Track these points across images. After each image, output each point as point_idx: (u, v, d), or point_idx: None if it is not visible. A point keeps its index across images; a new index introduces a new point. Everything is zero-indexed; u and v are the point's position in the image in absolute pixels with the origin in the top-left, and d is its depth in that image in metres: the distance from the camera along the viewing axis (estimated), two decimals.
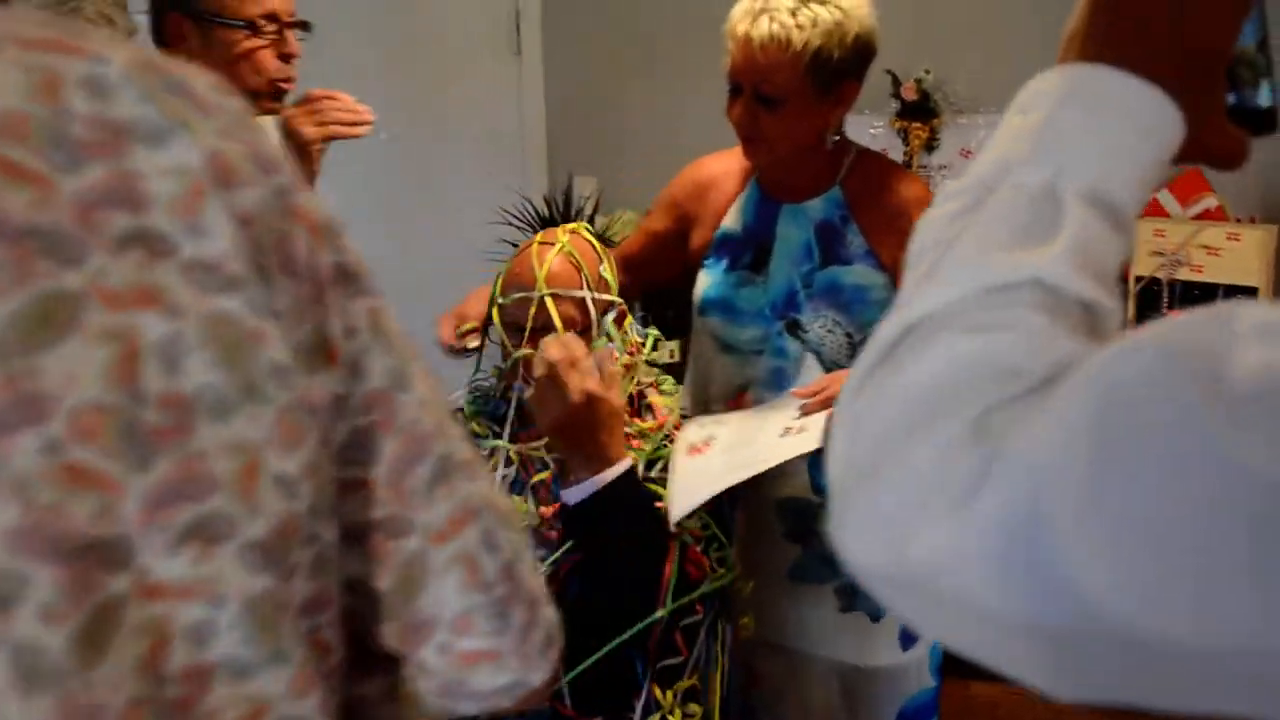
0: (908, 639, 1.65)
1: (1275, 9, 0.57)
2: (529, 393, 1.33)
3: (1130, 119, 0.48)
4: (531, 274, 1.39)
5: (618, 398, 1.31)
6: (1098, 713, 0.43)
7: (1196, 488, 0.36)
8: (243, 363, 0.48)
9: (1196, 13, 0.49)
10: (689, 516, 1.32)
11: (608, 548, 1.28)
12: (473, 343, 1.54)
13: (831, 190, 1.60)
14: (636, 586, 1.28)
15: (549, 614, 0.63)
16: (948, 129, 2.77)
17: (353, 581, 0.56)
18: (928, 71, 2.75)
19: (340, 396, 0.53)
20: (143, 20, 1.65)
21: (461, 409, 1.49)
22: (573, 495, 1.30)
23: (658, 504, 1.34)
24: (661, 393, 1.51)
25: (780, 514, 1.64)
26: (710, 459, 1.39)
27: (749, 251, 1.65)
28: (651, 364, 1.52)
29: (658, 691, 1.29)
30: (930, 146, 2.78)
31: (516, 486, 1.40)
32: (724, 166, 1.70)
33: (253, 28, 1.60)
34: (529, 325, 1.38)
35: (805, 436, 1.39)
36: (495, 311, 1.43)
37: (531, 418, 1.38)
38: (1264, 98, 0.52)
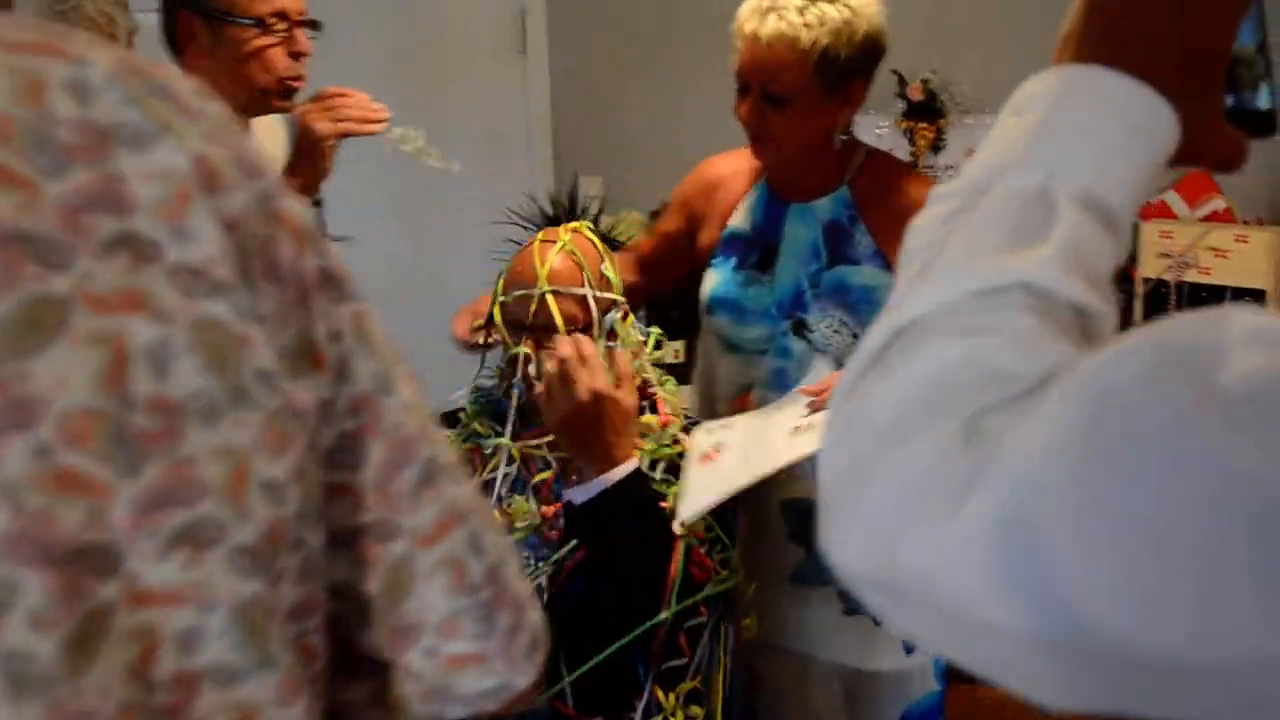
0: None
1: (1275, 9, 0.57)
2: (539, 389, 1.33)
3: (1125, 120, 0.47)
4: (533, 272, 1.39)
5: (628, 398, 1.31)
6: None
7: (1190, 494, 0.36)
8: (230, 368, 0.48)
9: (1194, 13, 0.49)
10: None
11: (613, 548, 1.28)
12: (486, 337, 1.54)
13: (840, 190, 1.60)
14: (641, 587, 1.27)
15: (534, 617, 0.63)
16: (954, 129, 2.76)
17: (339, 586, 0.56)
18: (934, 72, 2.74)
19: (326, 401, 0.53)
20: (150, 19, 1.66)
21: (464, 408, 1.49)
22: (578, 495, 1.30)
23: (662, 504, 1.34)
24: (665, 393, 1.51)
25: (785, 515, 1.63)
26: (721, 464, 1.38)
27: (756, 251, 1.64)
28: (655, 364, 1.52)
29: (660, 693, 1.29)
30: (936, 147, 2.77)
31: (518, 485, 1.40)
32: (733, 166, 1.70)
33: (263, 25, 1.61)
34: (529, 322, 1.38)
35: (817, 434, 1.39)
36: (497, 309, 1.43)
37: (533, 416, 1.38)
38: (1263, 100, 0.51)
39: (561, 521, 1.34)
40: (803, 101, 1.50)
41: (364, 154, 1.75)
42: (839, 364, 1.56)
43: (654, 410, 1.46)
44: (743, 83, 1.53)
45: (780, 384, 1.59)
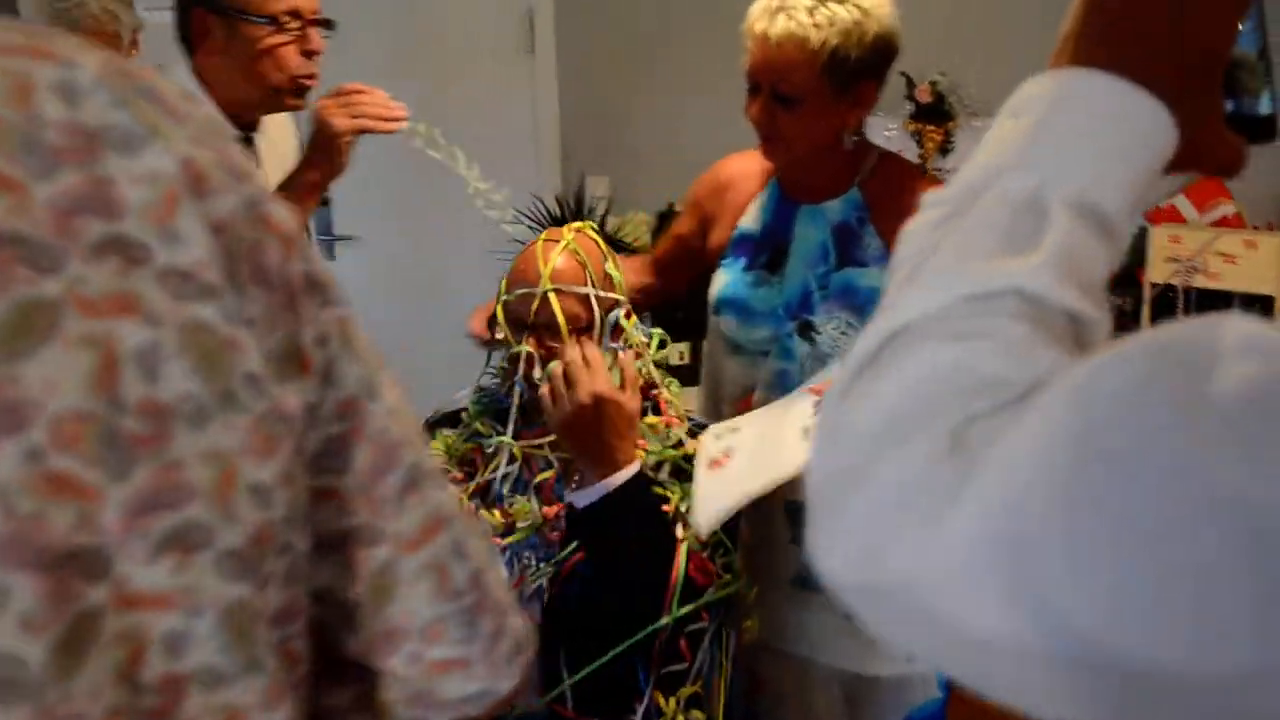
0: None
1: (1274, 13, 0.56)
2: (542, 389, 1.34)
3: (1122, 125, 0.47)
4: (536, 270, 1.40)
5: (631, 401, 1.31)
6: None
7: (1178, 505, 0.35)
8: (219, 371, 0.48)
9: (1193, 17, 0.48)
10: (690, 527, 1.32)
11: (615, 552, 1.28)
12: (501, 334, 1.55)
13: (850, 192, 1.59)
14: (642, 592, 1.27)
15: (517, 622, 0.63)
16: (962, 132, 2.75)
17: (323, 591, 0.56)
18: (943, 74, 2.73)
19: (312, 405, 0.53)
20: (155, 17, 1.66)
21: (466, 408, 1.49)
22: (580, 498, 1.30)
23: (665, 508, 1.34)
24: (669, 395, 1.50)
25: (788, 518, 1.63)
26: (732, 470, 1.38)
27: (766, 251, 1.64)
28: (659, 365, 1.51)
29: (660, 698, 1.29)
30: (944, 150, 2.77)
31: (519, 485, 1.40)
32: (745, 167, 1.70)
33: (276, 24, 1.61)
34: (531, 320, 1.38)
35: None
36: (499, 308, 1.43)
37: (535, 415, 1.38)
38: (1264, 105, 0.51)
39: (563, 523, 1.34)
40: (812, 102, 1.50)
41: (368, 154, 1.75)
42: None
43: (657, 412, 1.46)
44: (753, 83, 1.53)
45: (782, 386, 1.59)
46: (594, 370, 1.29)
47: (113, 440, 0.44)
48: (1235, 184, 2.47)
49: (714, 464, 1.39)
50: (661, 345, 1.52)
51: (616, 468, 1.29)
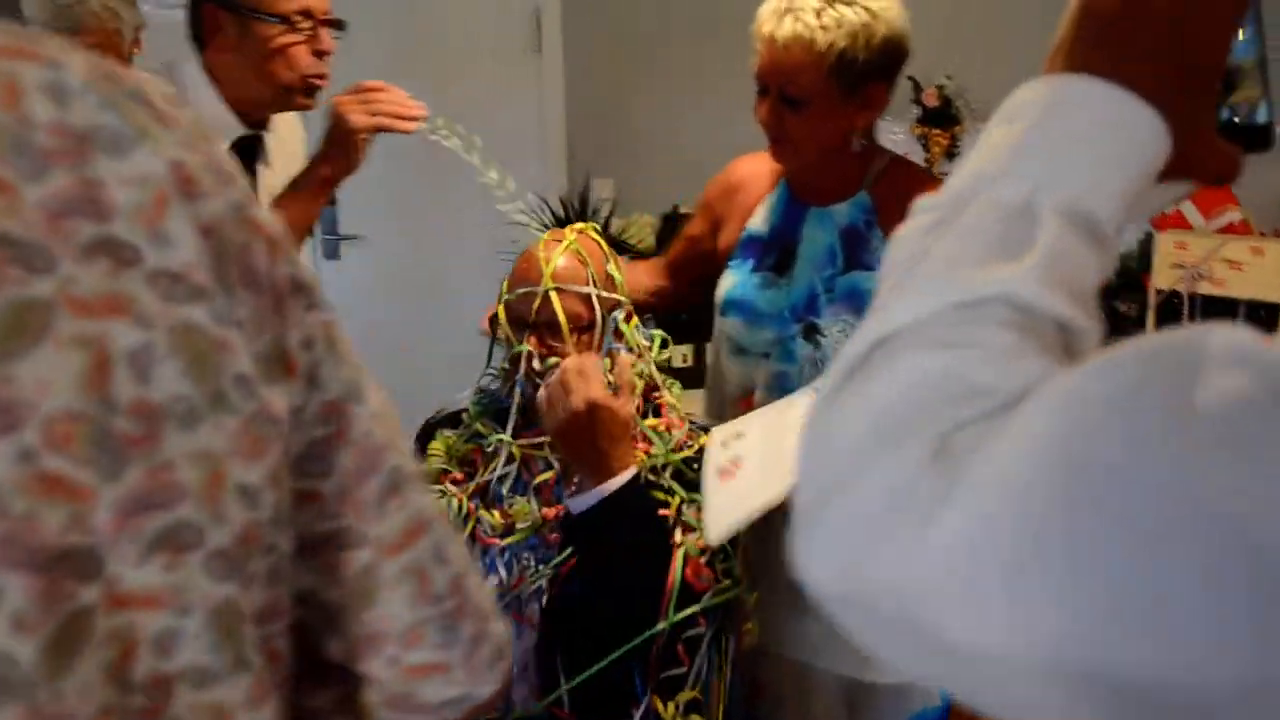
0: None
1: (1272, 19, 0.56)
2: (540, 393, 1.34)
3: (1115, 132, 0.46)
4: (538, 270, 1.40)
5: (626, 407, 1.31)
6: None
7: (1163, 517, 0.35)
8: (210, 373, 0.48)
9: (1189, 24, 0.48)
10: (690, 531, 1.32)
11: (610, 557, 1.28)
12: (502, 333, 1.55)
13: (859, 195, 1.59)
14: (638, 597, 1.27)
15: (498, 628, 0.64)
16: (969, 136, 2.75)
17: (305, 593, 0.56)
18: (949, 78, 2.73)
19: (297, 408, 0.54)
20: (160, 16, 1.67)
21: (467, 409, 1.49)
22: (576, 505, 1.30)
23: (663, 511, 1.34)
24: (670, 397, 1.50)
25: (789, 522, 1.62)
26: (743, 481, 1.37)
27: (774, 253, 1.64)
28: (661, 367, 1.51)
29: (658, 703, 1.29)
30: (951, 154, 2.76)
31: (519, 486, 1.40)
32: (755, 168, 1.70)
33: (288, 23, 1.62)
34: (533, 319, 1.38)
35: None
36: (501, 308, 1.43)
37: (535, 414, 1.38)
38: (1261, 114, 0.50)
39: (560, 529, 1.34)
40: (819, 104, 1.49)
41: (371, 154, 1.75)
42: None
43: (657, 414, 1.46)
44: (762, 85, 1.53)
45: (780, 388, 1.59)
46: (588, 377, 1.29)
47: (105, 441, 0.45)
48: (1242, 191, 2.46)
49: (724, 474, 1.38)
50: (663, 346, 1.52)
51: (612, 473, 1.29)
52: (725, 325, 1.68)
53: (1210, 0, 0.48)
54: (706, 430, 1.48)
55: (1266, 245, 2.41)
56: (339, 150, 1.63)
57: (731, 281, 1.66)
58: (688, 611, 1.28)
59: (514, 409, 1.40)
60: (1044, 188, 0.45)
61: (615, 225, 1.57)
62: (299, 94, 1.68)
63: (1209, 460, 0.35)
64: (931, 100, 2.73)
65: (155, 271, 0.47)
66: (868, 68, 1.49)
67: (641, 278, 1.78)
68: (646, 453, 1.39)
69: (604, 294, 1.41)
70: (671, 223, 2.82)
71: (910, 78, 2.70)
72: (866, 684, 1.65)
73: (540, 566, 1.33)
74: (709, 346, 1.79)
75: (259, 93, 1.68)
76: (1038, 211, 0.45)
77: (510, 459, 1.40)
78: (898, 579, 0.39)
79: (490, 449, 1.43)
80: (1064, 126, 0.47)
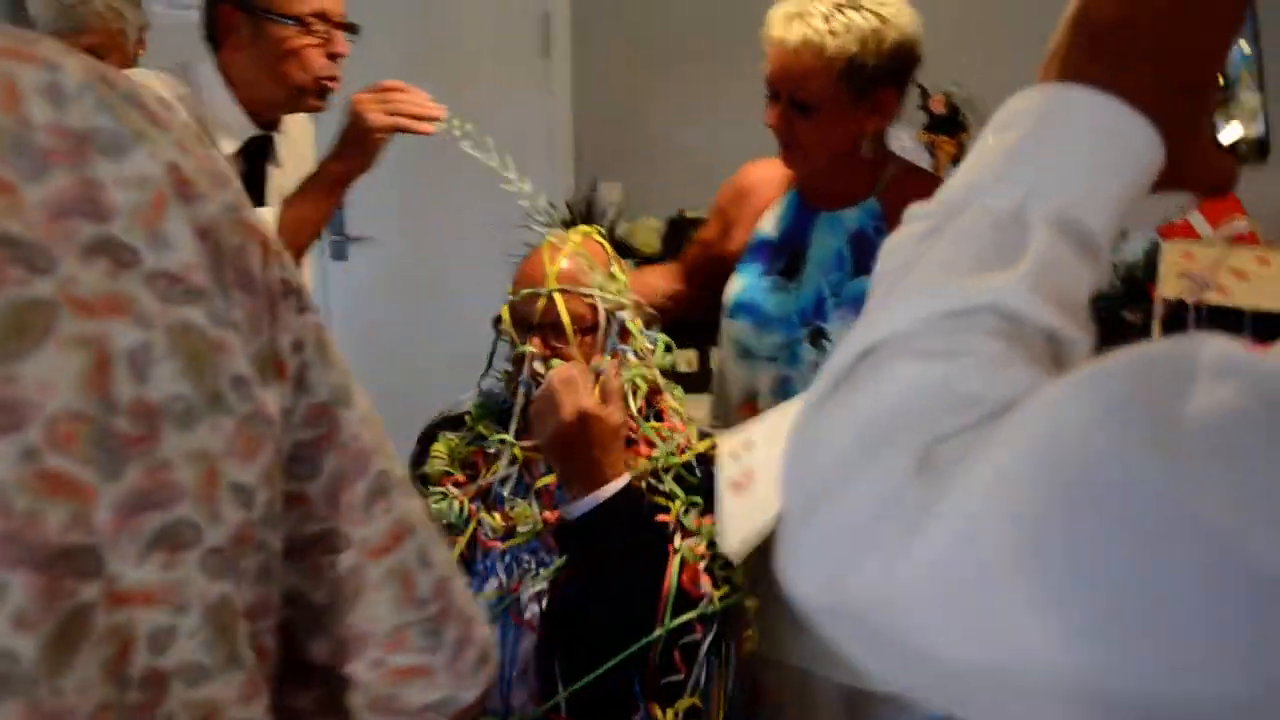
0: None
1: (1270, 28, 0.56)
2: (531, 409, 1.34)
3: (1108, 142, 0.46)
4: (542, 272, 1.41)
5: (617, 415, 1.31)
6: None
7: (1149, 532, 0.34)
8: (207, 373, 0.48)
9: (1184, 35, 0.48)
10: (695, 536, 1.32)
11: (605, 564, 1.28)
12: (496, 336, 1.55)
13: (869, 200, 1.59)
14: (634, 603, 1.28)
15: (482, 632, 0.64)
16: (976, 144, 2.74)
17: (291, 594, 0.57)
18: (957, 85, 2.73)
19: (286, 410, 0.54)
20: (168, 17, 1.67)
21: (469, 411, 1.50)
22: (571, 513, 1.30)
23: (663, 517, 1.34)
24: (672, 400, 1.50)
25: None
26: (758, 494, 1.37)
27: (784, 257, 1.64)
28: (666, 372, 1.51)
29: (656, 710, 1.29)
30: (958, 161, 2.76)
31: (520, 489, 1.41)
32: (766, 173, 1.70)
33: (303, 25, 1.62)
34: (537, 321, 1.39)
35: None
36: (506, 310, 1.44)
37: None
38: (1257, 126, 0.50)
39: (555, 538, 1.34)
40: (829, 109, 1.49)
41: (382, 156, 1.76)
42: None
43: (660, 418, 1.46)
44: (772, 90, 1.53)
45: (784, 392, 1.59)
46: (576, 387, 1.30)
47: (105, 440, 0.45)
48: (1250, 200, 2.45)
49: (737, 486, 1.38)
50: (667, 350, 1.52)
51: (606, 481, 1.30)
52: (732, 328, 1.68)
53: (1207, 11, 0.48)
54: (709, 435, 1.48)
55: (1273, 255, 2.41)
56: (355, 149, 1.63)
57: (740, 284, 1.66)
58: (684, 618, 1.28)
59: (516, 411, 1.41)
60: (1036, 197, 0.45)
61: (622, 229, 1.57)
62: (311, 96, 1.69)
63: (1201, 471, 0.34)
64: (939, 107, 2.73)
65: (154, 272, 0.47)
66: (878, 73, 1.49)
67: (657, 282, 1.79)
68: (649, 456, 1.39)
69: (608, 296, 1.42)
70: (678, 227, 2.82)
71: (918, 84, 2.70)
72: (867, 692, 1.64)
73: (540, 570, 1.33)
74: (714, 351, 1.79)
75: (271, 93, 1.68)
76: (1029, 220, 0.45)
77: (512, 461, 1.41)
78: (883, 590, 0.39)
79: (492, 451, 1.43)
80: (1057, 135, 0.47)
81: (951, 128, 2.75)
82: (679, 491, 1.37)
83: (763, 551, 1.60)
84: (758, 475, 1.39)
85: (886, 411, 0.41)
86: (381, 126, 1.61)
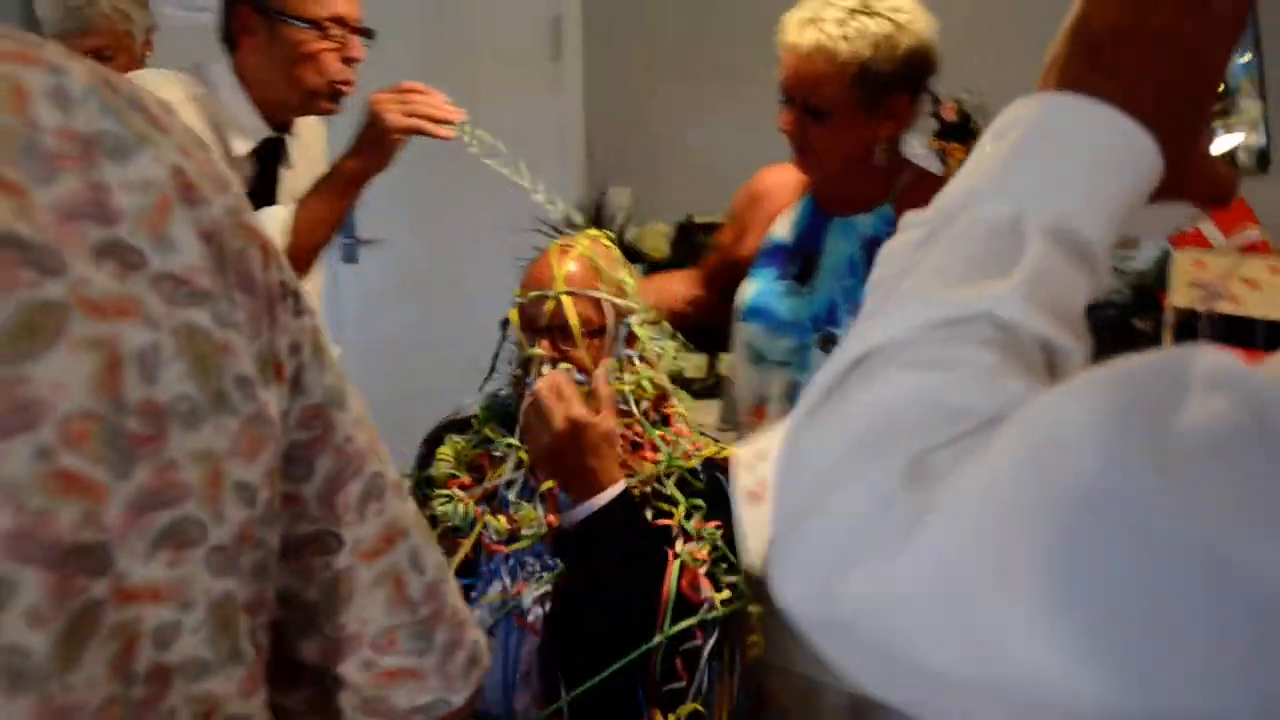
0: None
1: (1272, 35, 0.55)
2: (521, 422, 1.35)
3: (1105, 152, 0.46)
4: (550, 275, 1.41)
5: (606, 421, 1.31)
6: None
7: (1140, 547, 0.34)
8: (212, 374, 0.49)
9: (1184, 45, 0.47)
10: (697, 541, 1.32)
11: (602, 571, 1.28)
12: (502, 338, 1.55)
13: (883, 206, 1.59)
14: (633, 611, 1.27)
15: (473, 635, 0.64)
16: None
17: (282, 593, 0.57)
18: (969, 92, 2.72)
19: (283, 411, 0.54)
20: (175, 19, 1.68)
21: (476, 415, 1.50)
22: (567, 521, 1.31)
23: (665, 521, 1.34)
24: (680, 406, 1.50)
25: None
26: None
27: (797, 262, 1.64)
28: (674, 377, 1.51)
29: (659, 716, 1.29)
30: None
31: (526, 492, 1.41)
32: (781, 178, 1.71)
33: (320, 29, 1.63)
34: (545, 323, 1.39)
35: None
36: (514, 312, 1.44)
37: None
38: (1258, 136, 0.50)
39: (553, 547, 1.34)
40: (842, 114, 1.49)
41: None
42: None
43: (666, 423, 1.46)
44: (786, 95, 1.53)
45: (794, 398, 1.58)
46: (565, 396, 1.30)
47: (116, 440, 0.45)
48: (1262, 209, 2.44)
49: (754, 496, 1.38)
50: (675, 356, 1.52)
51: (601, 488, 1.30)
52: (745, 332, 1.68)
53: (1208, 20, 0.47)
54: (716, 440, 1.48)
55: None
56: (372, 148, 1.63)
57: (754, 288, 1.67)
58: (683, 624, 1.28)
59: (522, 413, 1.41)
60: (1031, 206, 0.45)
61: (631, 233, 1.57)
62: (325, 99, 1.69)
63: (1197, 484, 0.34)
64: (950, 114, 2.72)
65: (160, 274, 0.48)
66: (891, 79, 1.48)
67: (678, 287, 1.79)
68: (654, 461, 1.39)
69: (616, 300, 1.42)
70: (686, 232, 2.82)
71: (929, 91, 2.70)
72: (873, 699, 1.63)
73: (544, 573, 1.34)
74: (723, 357, 1.79)
75: (285, 95, 1.69)
76: (1025, 229, 0.44)
77: (518, 464, 1.41)
78: (870, 601, 0.39)
79: (498, 454, 1.43)
80: (1054, 145, 0.46)
81: (962, 135, 2.74)
82: (679, 496, 1.36)
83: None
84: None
85: (877, 422, 0.41)
86: (399, 127, 1.61)
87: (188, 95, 1.63)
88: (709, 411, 1.76)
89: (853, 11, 1.47)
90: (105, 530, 0.45)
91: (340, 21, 1.65)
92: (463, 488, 1.42)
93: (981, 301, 0.42)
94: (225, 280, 0.50)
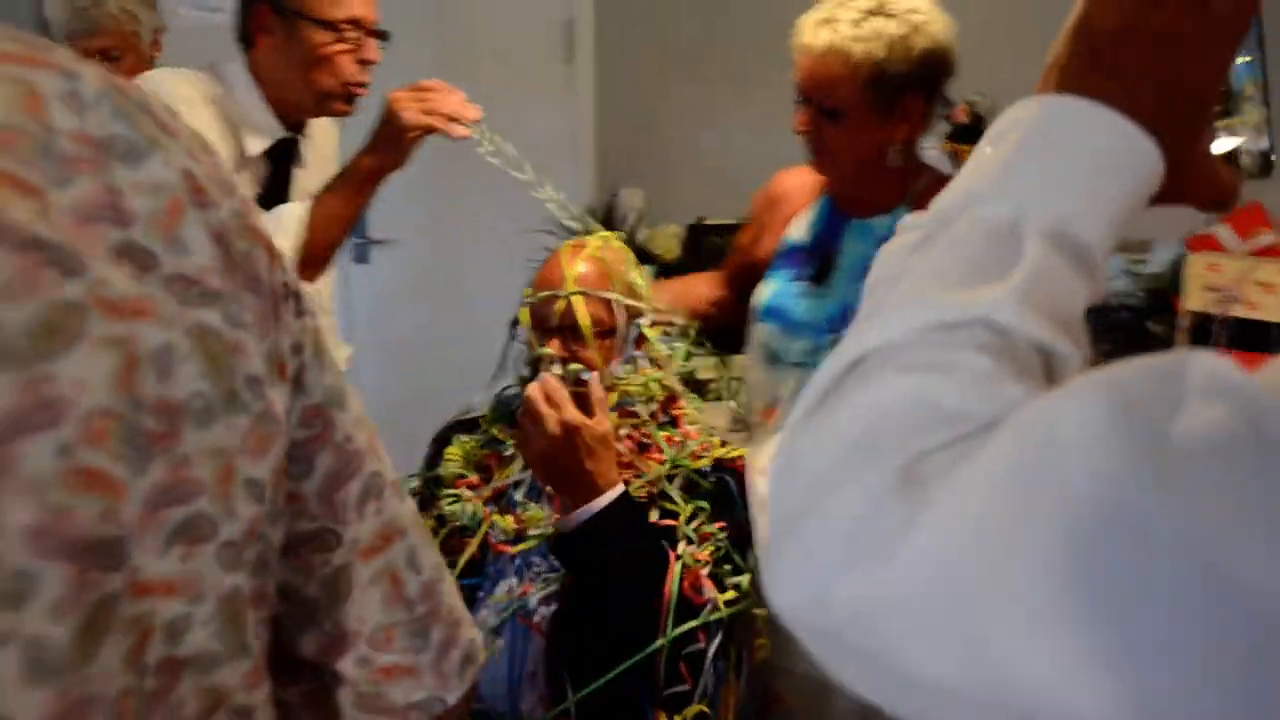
0: None
1: (1276, 37, 0.55)
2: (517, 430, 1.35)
3: (1105, 155, 0.46)
4: (560, 275, 1.41)
5: (601, 424, 1.31)
6: None
7: (1135, 556, 0.34)
8: (224, 373, 0.50)
9: (1186, 47, 0.47)
10: (697, 543, 1.32)
11: (605, 573, 1.28)
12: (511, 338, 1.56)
13: (899, 209, 1.59)
14: (634, 611, 1.27)
15: (469, 634, 0.65)
16: None
17: (282, 589, 0.58)
18: (981, 94, 2.71)
19: (286, 411, 0.55)
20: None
21: (483, 415, 1.50)
22: (566, 525, 1.31)
23: (672, 523, 1.34)
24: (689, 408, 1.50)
25: None
26: None
27: (814, 263, 1.64)
28: (685, 379, 1.52)
29: (663, 718, 1.28)
30: None
31: (533, 493, 1.41)
32: (799, 180, 1.71)
33: (336, 31, 1.63)
34: (555, 323, 1.40)
35: None
36: (525, 312, 1.44)
37: None
38: (1261, 139, 0.50)
39: (552, 551, 1.34)
40: (855, 115, 1.49)
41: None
42: None
43: (674, 425, 1.46)
44: (801, 96, 1.54)
45: None
46: (558, 402, 1.30)
47: (133, 437, 0.46)
48: (1278, 213, 2.43)
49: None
50: (686, 358, 1.52)
51: (599, 491, 1.29)
52: (761, 332, 1.68)
53: (1210, 23, 0.47)
54: (724, 443, 1.48)
55: None
56: (388, 145, 1.63)
57: (770, 289, 1.67)
58: (685, 627, 1.28)
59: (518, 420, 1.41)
60: (1030, 208, 0.45)
61: (642, 235, 1.58)
62: (339, 100, 1.70)
63: (1193, 492, 0.34)
64: (962, 117, 2.72)
65: (172, 276, 0.49)
66: (906, 80, 1.48)
67: (702, 288, 1.80)
68: (659, 463, 1.39)
69: (626, 301, 1.42)
70: (697, 234, 2.82)
71: (944, 95, 2.69)
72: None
73: (551, 574, 1.34)
74: (734, 359, 1.79)
75: (300, 96, 1.70)
76: (1023, 232, 0.44)
77: (526, 465, 1.41)
78: (866, 605, 0.38)
79: (506, 454, 1.44)
80: (1054, 147, 0.46)
81: (975, 137, 2.72)
82: (681, 505, 1.36)
83: None
84: None
85: (873, 425, 0.41)
86: (416, 125, 1.61)
87: (205, 95, 1.64)
88: (720, 414, 1.76)
89: (868, 13, 1.46)
90: (123, 526, 0.46)
91: (356, 24, 1.66)
92: (470, 487, 1.43)
93: (978, 306, 0.42)
94: (235, 281, 0.52)
